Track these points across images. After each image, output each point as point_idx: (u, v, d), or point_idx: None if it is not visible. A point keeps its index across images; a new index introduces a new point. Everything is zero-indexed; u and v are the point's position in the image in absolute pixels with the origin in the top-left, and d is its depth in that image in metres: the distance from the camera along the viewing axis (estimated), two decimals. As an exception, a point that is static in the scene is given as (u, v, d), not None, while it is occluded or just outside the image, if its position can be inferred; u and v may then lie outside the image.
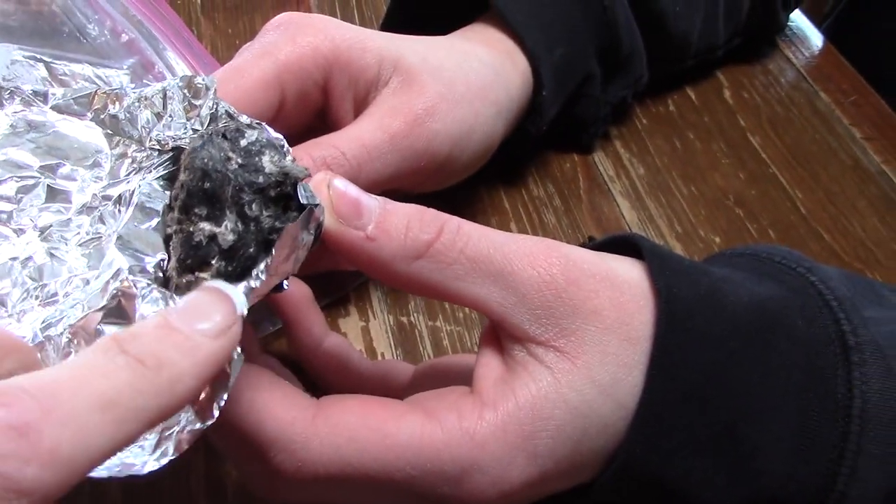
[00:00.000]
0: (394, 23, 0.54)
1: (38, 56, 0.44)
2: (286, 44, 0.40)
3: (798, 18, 0.73)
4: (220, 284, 0.27)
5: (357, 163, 0.40)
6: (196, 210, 0.29)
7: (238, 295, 0.27)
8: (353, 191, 0.32)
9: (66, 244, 0.34)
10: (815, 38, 0.72)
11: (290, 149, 0.31)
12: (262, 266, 0.29)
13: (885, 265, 0.54)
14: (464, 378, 0.35)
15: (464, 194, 0.53)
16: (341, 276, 0.47)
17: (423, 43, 0.46)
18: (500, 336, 0.33)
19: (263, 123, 0.32)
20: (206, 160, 0.29)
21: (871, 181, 0.60)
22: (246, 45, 0.42)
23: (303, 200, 0.30)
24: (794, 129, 0.63)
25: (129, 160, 0.35)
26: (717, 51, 0.64)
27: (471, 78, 0.46)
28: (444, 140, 0.44)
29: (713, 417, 0.32)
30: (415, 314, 0.47)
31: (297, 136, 0.42)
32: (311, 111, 0.42)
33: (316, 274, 0.39)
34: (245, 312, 0.27)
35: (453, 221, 0.32)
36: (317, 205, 0.30)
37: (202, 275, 0.29)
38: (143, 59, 0.49)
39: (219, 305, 0.26)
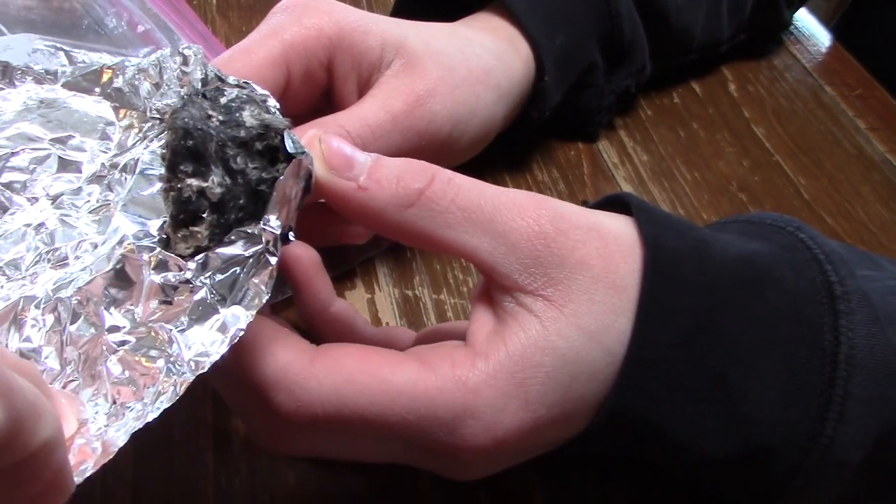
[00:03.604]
0: (401, 13, 0.56)
1: (58, 45, 0.46)
2: (292, 25, 0.42)
3: (804, 17, 0.74)
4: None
5: (361, 142, 0.42)
6: (182, 167, 0.30)
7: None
8: (347, 147, 0.33)
9: (77, 211, 0.36)
10: (822, 36, 0.73)
11: (277, 104, 0.32)
12: (271, 218, 0.30)
13: (888, 247, 0.55)
14: (462, 340, 0.36)
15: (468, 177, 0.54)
16: (348, 251, 0.48)
17: (426, 28, 0.47)
18: (490, 289, 0.34)
19: (250, 82, 0.33)
20: (186, 119, 0.30)
21: (875, 169, 0.60)
22: (256, 28, 0.43)
23: (290, 150, 0.31)
24: (799, 120, 0.64)
25: (136, 130, 0.37)
26: (721, 46, 0.66)
27: (472, 63, 0.47)
28: (445, 121, 0.45)
29: (702, 364, 0.33)
30: (420, 288, 0.49)
31: (303, 116, 0.43)
32: (317, 91, 0.44)
33: (322, 248, 0.41)
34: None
35: (445, 172, 0.34)
36: (304, 154, 0.31)
37: (196, 229, 0.30)
38: (158, 48, 0.51)
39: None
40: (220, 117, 0.31)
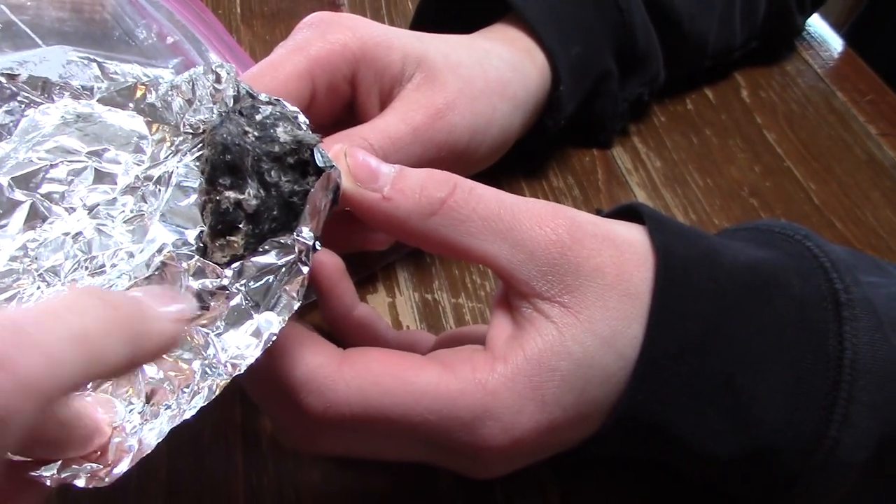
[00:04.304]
0: (421, 25, 0.57)
1: (92, 57, 0.48)
2: (317, 40, 0.43)
3: (816, 23, 0.75)
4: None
5: (383, 153, 0.43)
6: (221, 180, 0.32)
7: (192, 303, 0.31)
8: (373, 160, 0.35)
9: (113, 221, 0.37)
10: (834, 42, 0.74)
11: (307, 120, 0.34)
12: (304, 230, 0.32)
13: (898, 252, 0.56)
14: (481, 344, 0.37)
15: (485, 184, 0.56)
16: (370, 256, 0.50)
17: (446, 41, 0.49)
18: (509, 295, 0.36)
19: (281, 99, 0.35)
20: (225, 135, 0.32)
21: (886, 174, 0.61)
22: (282, 43, 0.45)
23: (320, 164, 0.33)
24: (810, 126, 0.65)
25: (168, 143, 0.38)
26: (734, 52, 0.67)
27: (490, 74, 0.49)
28: (463, 132, 0.46)
29: (711, 368, 0.34)
30: (439, 292, 0.50)
31: (327, 127, 0.45)
32: (340, 103, 0.46)
33: (346, 253, 0.42)
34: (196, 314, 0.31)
35: (466, 182, 0.35)
36: (333, 167, 0.33)
37: (232, 238, 0.32)
38: (186, 59, 0.52)
39: (183, 300, 0.30)
40: (256, 133, 0.33)
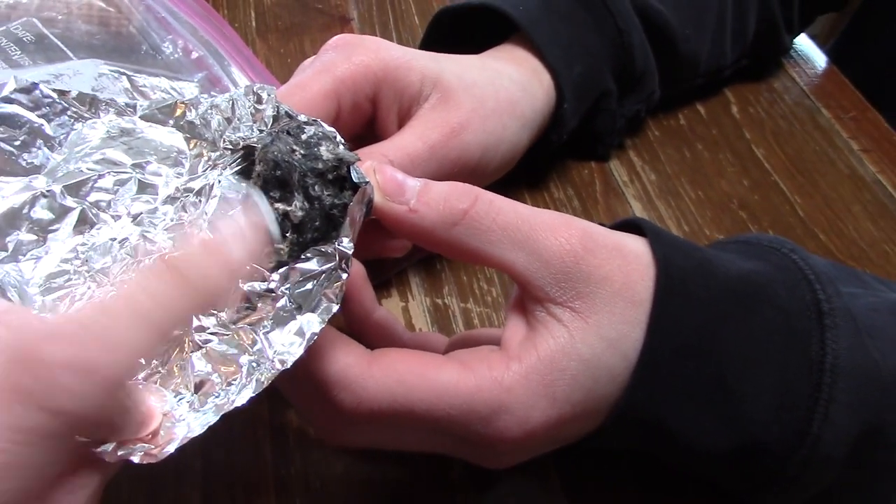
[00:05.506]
0: (431, 44, 0.60)
1: (121, 70, 0.50)
2: (343, 62, 0.46)
3: (802, 41, 0.78)
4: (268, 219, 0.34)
5: (401, 169, 0.46)
6: (271, 193, 0.36)
7: (274, 225, 0.34)
8: (399, 175, 0.38)
9: (155, 228, 0.40)
10: (819, 59, 0.77)
11: (343, 140, 0.38)
12: (344, 240, 0.36)
13: (877, 263, 0.59)
14: (490, 345, 0.41)
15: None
16: (385, 263, 0.53)
17: (459, 62, 0.52)
18: (524, 299, 0.39)
19: (318, 119, 0.38)
20: (276, 153, 0.36)
21: (867, 189, 0.65)
22: (308, 61, 0.48)
23: (355, 180, 0.36)
24: (796, 142, 0.68)
25: (205, 159, 0.41)
26: (725, 70, 0.70)
27: (500, 94, 0.52)
28: (476, 150, 0.50)
29: (704, 369, 0.38)
30: (449, 297, 0.53)
31: (349, 142, 0.48)
32: (362, 120, 0.49)
33: (364, 260, 0.45)
34: (277, 235, 0.35)
35: (486, 194, 0.38)
36: (367, 183, 0.37)
37: (279, 246, 0.35)
38: (210, 74, 0.55)
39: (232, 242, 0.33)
40: (302, 151, 0.36)
